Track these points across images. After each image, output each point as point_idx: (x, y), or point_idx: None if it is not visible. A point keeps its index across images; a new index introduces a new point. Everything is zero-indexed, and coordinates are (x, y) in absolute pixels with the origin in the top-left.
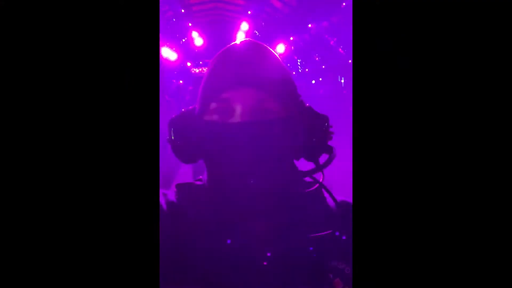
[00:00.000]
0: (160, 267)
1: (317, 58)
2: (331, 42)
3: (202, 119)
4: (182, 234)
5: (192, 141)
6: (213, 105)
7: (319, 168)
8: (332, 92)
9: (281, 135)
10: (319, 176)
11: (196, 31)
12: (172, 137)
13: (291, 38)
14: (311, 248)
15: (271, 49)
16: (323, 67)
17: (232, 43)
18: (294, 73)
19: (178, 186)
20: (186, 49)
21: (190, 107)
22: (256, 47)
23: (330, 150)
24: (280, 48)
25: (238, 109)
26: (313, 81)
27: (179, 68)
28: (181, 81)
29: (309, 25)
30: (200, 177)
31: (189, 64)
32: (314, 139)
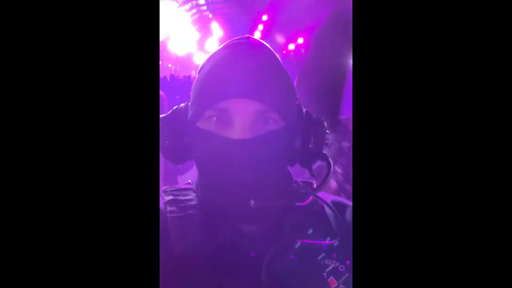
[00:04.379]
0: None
1: None
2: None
3: (194, 125)
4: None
5: (182, 144)
6: (208, 112)
7: (322, 184)
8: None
9: (280, 145)
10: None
11: (217, 22)
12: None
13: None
14: (291, 256)
15: (270, 48)
16: None
17: (228, 42)
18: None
19: (165, 191)
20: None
21: (182, 104)
22: (255, 48)
23: (325, 158)
24: (300, 41)
25: (237, 123)
26: None
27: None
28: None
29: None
30: (190, 180)
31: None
32: (310, 145)
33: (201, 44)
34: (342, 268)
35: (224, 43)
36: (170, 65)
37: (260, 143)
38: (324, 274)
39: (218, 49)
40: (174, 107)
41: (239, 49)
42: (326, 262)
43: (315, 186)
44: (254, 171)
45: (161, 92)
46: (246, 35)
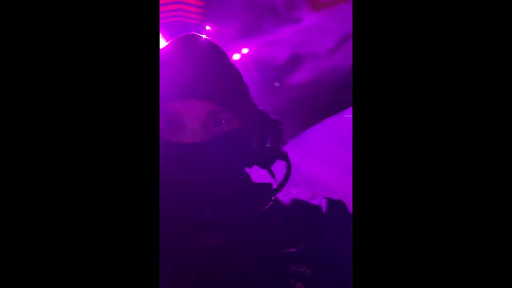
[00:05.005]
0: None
1: None
2: None
3: None
4: None
5: None
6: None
7: (281, 184)
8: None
9: (235, 147)
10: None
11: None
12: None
13: None
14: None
15: (217, 46)
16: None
17: (174, 39)
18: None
19: None
20: None
21: None
22: (202, 46)
23: (284, 157)
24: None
25: (188, 126)
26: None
27: None
28: None
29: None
30: None
31: None
32: (267, 145)
33: None
34: (309, 272)
35: (169, 41)
36: None
37: (214, 146)
38: (291, 280)
39: (164, 47)
40: None
41: (185, 47)
42: (293, 268)
43: (275, 187)
44: (209, 175)
45: None
46: (192, 33)
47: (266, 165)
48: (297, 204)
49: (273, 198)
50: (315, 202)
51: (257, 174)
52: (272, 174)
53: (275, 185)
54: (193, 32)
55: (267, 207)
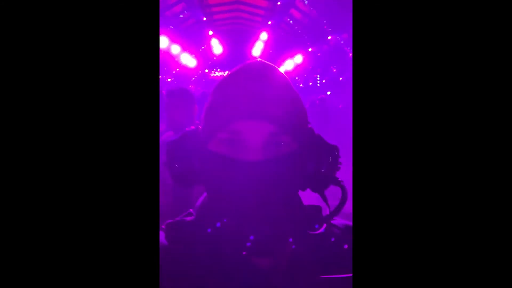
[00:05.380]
0: None
1: (334, 70)
2: (350, 55)
3: (206, 148)
4: (179, 276)
5: (193, 168)
6: (220, 135)
7: (335, 211)
8: (349, 105)
9: (292, 168)
10: (325, 210)
11: (216, 38)
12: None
13: (310, 49)
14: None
15: (281, 71)
16: (341, 79)
17: (241, 65)
18: (310, 83)
19: (168, 226)
20: (205, 57)
21: (192, 127)
22: (267, 71)
23: (337, 182)
24: (298, 59)
25: (250, 144)
26: (329, 92)
27: (197, 75)
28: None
29: (329, 37)
30: (191, 210)
31: (206, 71)
32: (322, 170)
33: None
34: None
35: (237, 66)
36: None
37: (273, 165)
38: None
39: (231, 72)
40: (184, 131)
41: (251, 72)
42: None
43: (328, 213)
44: (265, 194)
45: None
46: (258, 59)
47: (319, 189)
48: (349, 229)
49: (324, 225)
50: None
51: (309, 198)
52: (324, 199)
53: (327, 210)
54: (260, 59)
55: (318, 232)
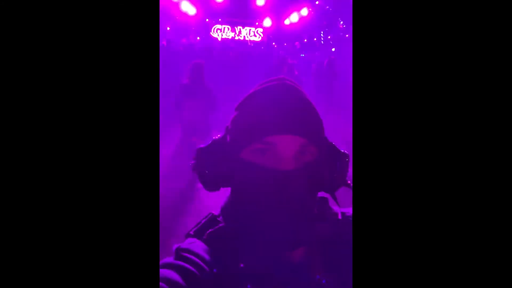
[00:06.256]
0: None
1: (343, 25)
2: None
3: (238, 156)
4: None
5: (222, 173)
6: (255, 145)
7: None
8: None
9: (314, 175)
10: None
11: None
12: (204, 169)
13: (317, 2)
14: (323, 281)
15: (302, 90)
16: (347, 36)
17: (266, 82)
18: (315, 39)
19: (209, 235)
20: (205, 5)
21: (219, 135)
22: (292, 89)
23: (349, 186)
24: (304, 12)
25: (283, 155)
26: (333, 49)
27: (197, 24)
28: (168, 28)
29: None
30: (212, 212)
31: (207, 20)
32: (335, 175)
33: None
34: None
35: (260, 84)
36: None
37: (300, 173)
38: None
39: (256, 90)
40: (213, 139)
41: (277, 90)
42: None
43: (340, 217)
44: (292, 198)
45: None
46: (282, 76)
47: (332, 191)
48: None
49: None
50: None
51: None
52: (335, 199)
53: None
54: (283, 76)
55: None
